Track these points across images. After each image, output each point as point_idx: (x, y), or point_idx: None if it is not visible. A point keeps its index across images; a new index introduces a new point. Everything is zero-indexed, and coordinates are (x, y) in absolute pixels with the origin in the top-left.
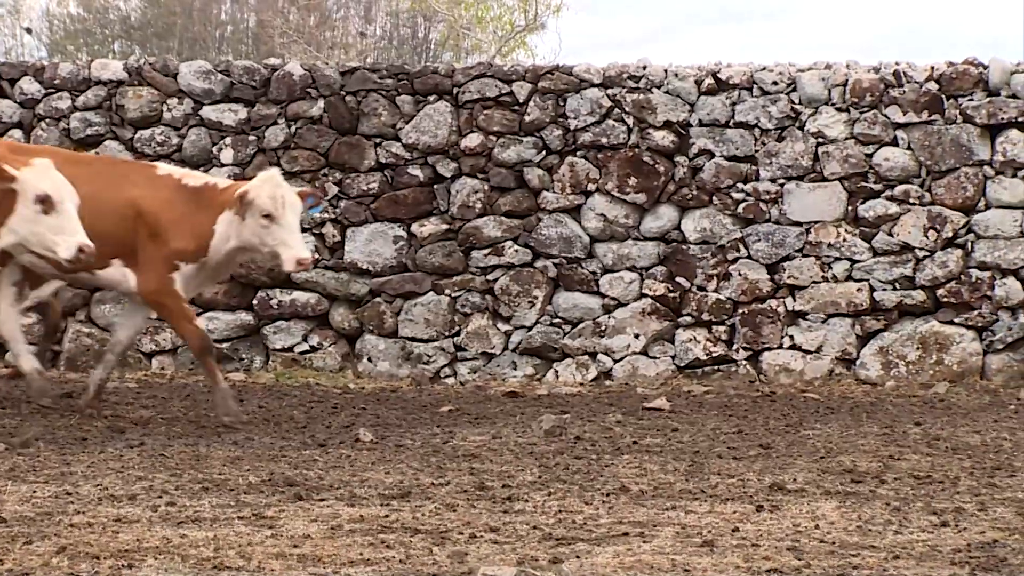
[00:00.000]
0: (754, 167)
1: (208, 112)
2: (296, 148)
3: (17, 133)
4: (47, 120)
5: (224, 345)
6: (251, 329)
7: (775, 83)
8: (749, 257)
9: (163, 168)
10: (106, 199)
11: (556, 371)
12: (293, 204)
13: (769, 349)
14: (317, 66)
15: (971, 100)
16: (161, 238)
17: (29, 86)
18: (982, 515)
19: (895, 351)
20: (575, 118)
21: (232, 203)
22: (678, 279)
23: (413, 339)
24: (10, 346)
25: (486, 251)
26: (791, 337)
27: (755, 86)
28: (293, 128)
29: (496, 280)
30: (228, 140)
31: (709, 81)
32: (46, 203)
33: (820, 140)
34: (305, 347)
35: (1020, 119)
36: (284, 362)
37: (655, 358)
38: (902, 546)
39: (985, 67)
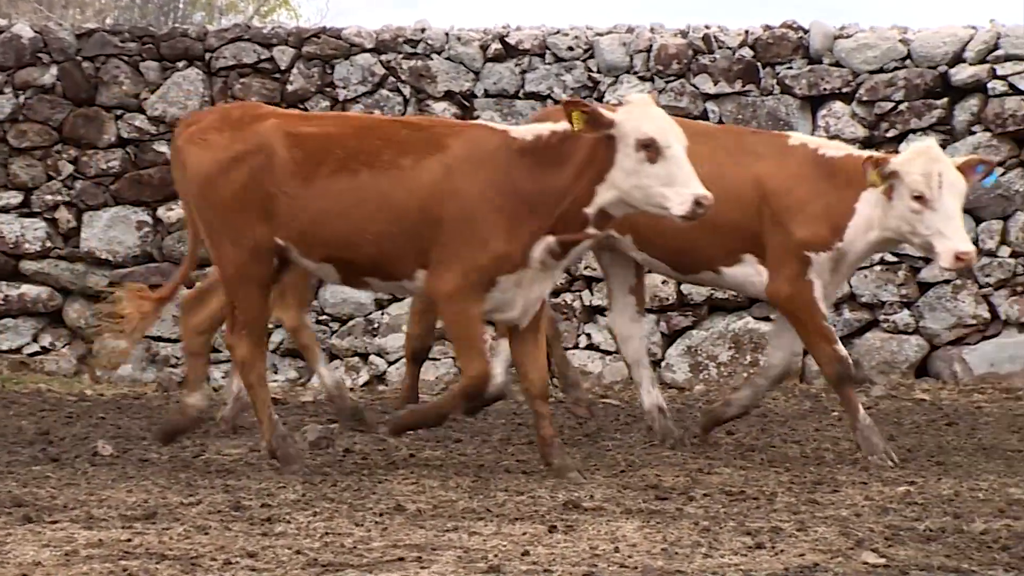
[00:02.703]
0: None
1: None
2: (25, 121)
3: None
4: None
5: None
6: None
7: (571, 48)
8: None
9: (796, 137)
10: (730, 178)
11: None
12: (953, 184)
13: (564, 349)
14: (49, 27)
15: (790, 68)
16: (785, 225)
17: None
18: (801, 535)
19: (705, 351)
20: (345, 87)
21: (873, 180)
22: None
23: (159, 339)
24: (633, 373)
25: None
26: (588, 336)
27: (548, 52)
28: (21, 98)
29: None
30: None
31: (496, 46)
32: (650, 149)
33: None
34: (35, 348)
35: (844, 90)
36: (11, 365)
37: (435, 359)
38: (712, 570)
39: (805, 31)
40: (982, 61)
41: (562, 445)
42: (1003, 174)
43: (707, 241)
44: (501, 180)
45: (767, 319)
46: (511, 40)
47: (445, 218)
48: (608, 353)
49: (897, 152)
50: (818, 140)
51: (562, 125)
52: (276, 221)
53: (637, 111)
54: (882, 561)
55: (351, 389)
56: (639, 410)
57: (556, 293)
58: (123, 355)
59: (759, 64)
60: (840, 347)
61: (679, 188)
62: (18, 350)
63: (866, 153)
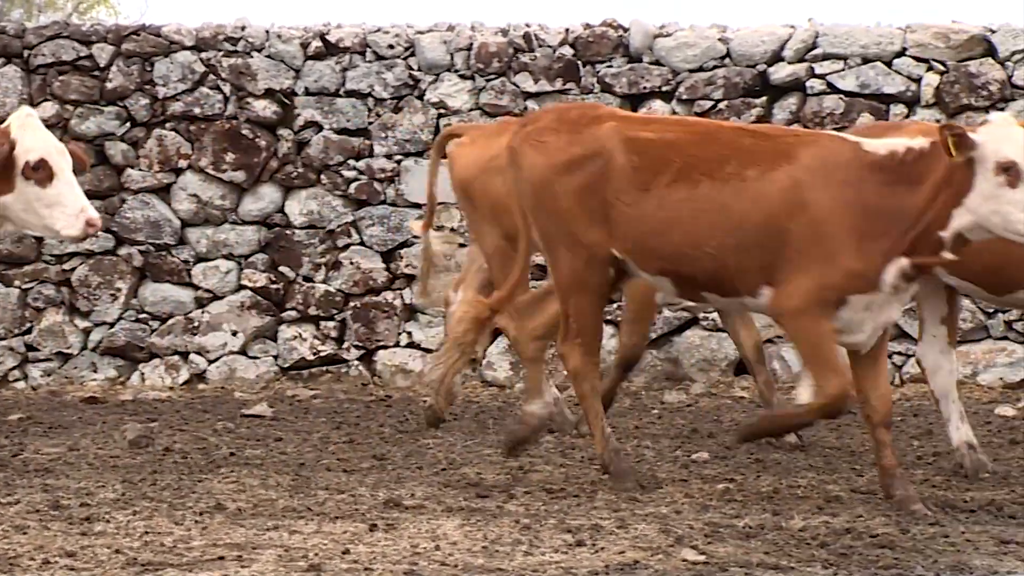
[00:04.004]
0: (368, 141)
1: None
2: None
3: None
4: None
5: None
6: None
7: (391, 47)
8: (362, 243)
9: None
10: None
11: (142, 373)
12: None
13: (384, 347)
14: None
15: (610, 67)
16: None
17: None
18: (622, 533)
19: None
20: (164, 85)
21: None
22: (281, 268)
23: None
24: (941, 407)
25: None
26: (409, 334)
27: (369, 50)
28: None
29: (73, 270)
30: None
31: (317, 44)
32: (1011, 172)
33: (442, 111)
34: None
35: (664, 88)
36: None
37: (255, 358)
38: (533, 568)
39: (626, 30)
40: (800, 60)
41: (904, 475)
42: None
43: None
44: (853, 194)
45: None
46: (332, 38)
47: (793, 232)
48: (429, 351)
49: None
50: None
51: (917, 141)
52: (612, 230)
53: (998, 132)
54: (702, 558)
55: (171, 388)
56: (460, 408)
57: (377, 292)
58: (457, 365)
59: (579, 62)
60: None
61: None
62: None
63: None
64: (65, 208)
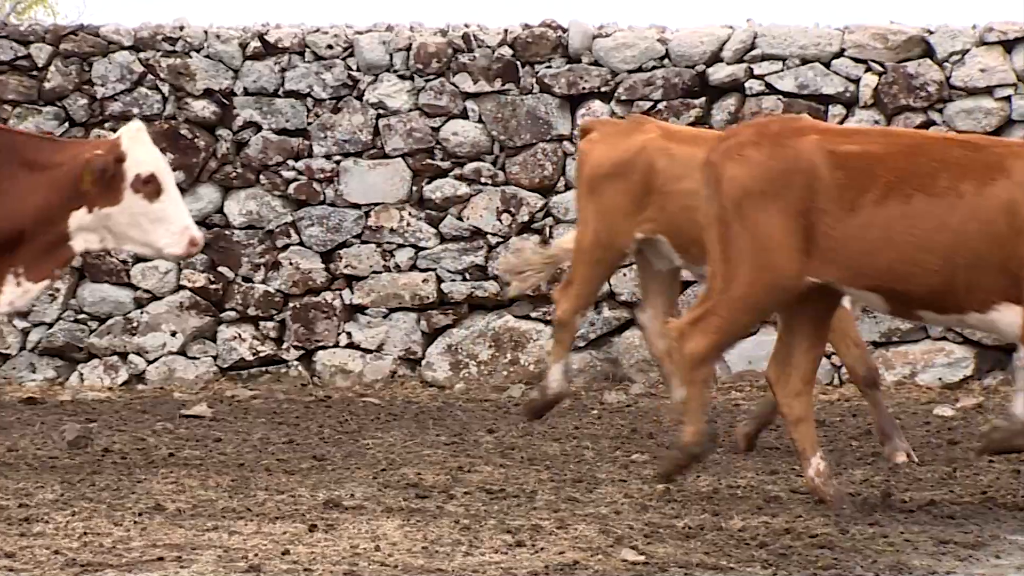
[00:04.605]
0: (307, 142)
1: None
2: None
3: None
4: None
5: None
6: None
7: (330, 47)
8: (301, 244)
9: None
10: None
11: (81, 374)
12: None
13: (324, 348)
14: None
15: (549, 67)
16: None
17: None
18: (561, 533)
19: (465, 349)
20: (103, 85)
21: None
22: (220, 269)
23: None
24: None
25: None
26: (348, 334)
27: (308, 50)
28: None
29: None
30: None
31: (255, 44)
32: None
33: (381, 111)
34: None
35: (603, 89)
36: None
37: (194, 359)
38: (473, 568)
39: (565, 30)
40: (739, 60)
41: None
42: None
43: None
44: None
45: (527, 317)
46: (270, 38)
47: None
48: (368, 352)
49: None
50: None
51: None
52: (813, 250)
53: None
54: (641, 558)
55: (110, 388)
56: (400, 408)
57: (316, 292)
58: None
59: (519, 63)
60: None
61: None
62: None
63: None
64: (170, 225)
